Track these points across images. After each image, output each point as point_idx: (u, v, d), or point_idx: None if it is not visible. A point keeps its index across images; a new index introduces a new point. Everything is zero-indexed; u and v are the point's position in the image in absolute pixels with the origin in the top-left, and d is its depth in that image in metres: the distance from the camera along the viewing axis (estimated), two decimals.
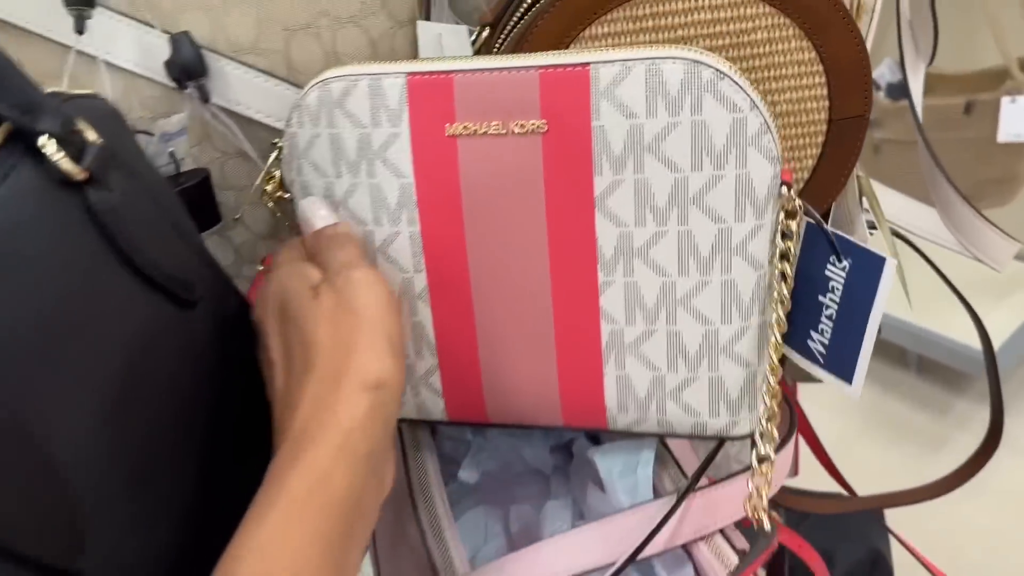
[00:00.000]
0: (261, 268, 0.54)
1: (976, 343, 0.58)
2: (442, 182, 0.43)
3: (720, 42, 0.45)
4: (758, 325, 0.42)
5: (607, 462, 0.51)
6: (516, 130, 0.41)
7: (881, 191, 0.52)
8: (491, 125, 0.42)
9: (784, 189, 0.40)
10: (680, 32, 0.45)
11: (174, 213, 0.41)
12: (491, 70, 0.41)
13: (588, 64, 0.40)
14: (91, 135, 0.35)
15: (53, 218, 0.33)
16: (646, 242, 0.41)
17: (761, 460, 0.43)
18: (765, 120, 0.39)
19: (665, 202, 0.40)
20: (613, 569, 0.45)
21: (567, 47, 0.46)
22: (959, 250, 0.54)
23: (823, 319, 0.43)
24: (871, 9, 0.46)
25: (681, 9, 0.44)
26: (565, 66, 0.40)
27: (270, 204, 0.49)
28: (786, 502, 0.67)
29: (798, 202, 0.41)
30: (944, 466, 0.59)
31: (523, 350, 0.45)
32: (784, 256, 0.41)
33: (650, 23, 0.45)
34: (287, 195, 0.49)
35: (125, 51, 0.46)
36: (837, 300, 0.42)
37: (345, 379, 0.37)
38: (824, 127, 0.47)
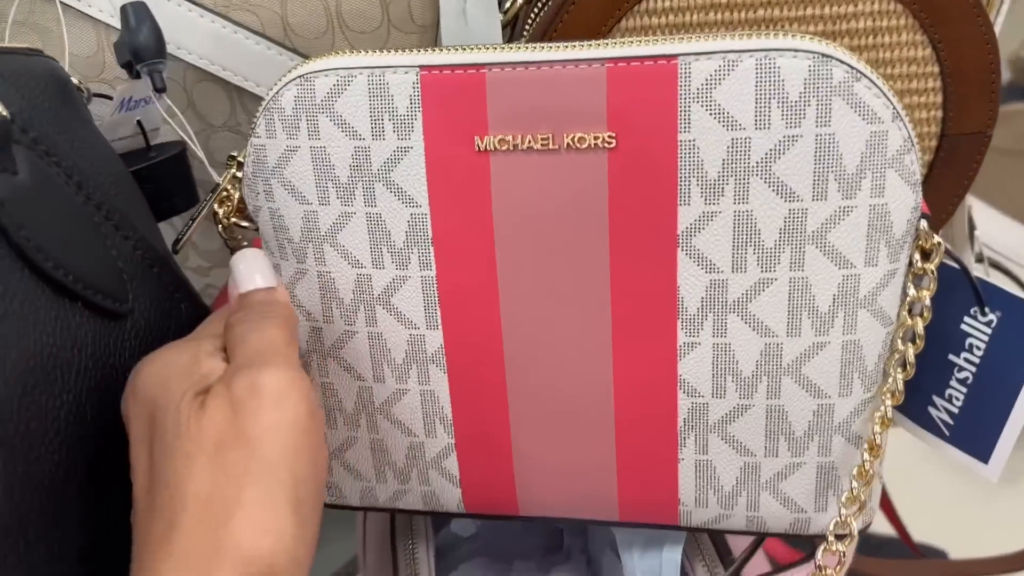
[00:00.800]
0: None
1: None
2: (468, 212, 0.33)
3: (811, 28, 0.36)
4: (882, 399, 0.33)
5: (626, 533, 0.42)
6: (573, 145, 0.31)
7: (979, 209, 0.44)
8: (538, 138, 0.31)
9: (924, 223, 0.31)
10: (761, 12, 0.36)
11: (113, 200, 0.32)
12: (539, 63, 0.31)
13: (675, 56, 0.30)
14: None
15: None
16: (746, 293, 0.31)
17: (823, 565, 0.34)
18: (909, 134, 0.30)
19: (775, 241, 0.30)
20: None
21: (618, 21, 0.36)
22: None
23: (954, 383, 0.34)
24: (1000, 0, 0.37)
25: None
26: (643, 58, 0.30)
27: (220, 232, 0.38)
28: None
29: (937, 239, 0.31)
30: (1021, 500, 0.51)
31: (571, 428, 0.35)
32: (915, 309, 0.32)
33: None
34: (245, 224, 0.37)
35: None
36: (976, 361, 0.33)
37: (217, 563, 0.25)
38: (934, 143, 0.38)
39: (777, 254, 0.31)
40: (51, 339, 0.28)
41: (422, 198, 0.33)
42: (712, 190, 0.30)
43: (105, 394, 0.30)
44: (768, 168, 0.30)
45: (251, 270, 0.34)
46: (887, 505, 0.57)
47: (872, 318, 0.31)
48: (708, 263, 0.31)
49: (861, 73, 0.29)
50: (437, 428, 0.36)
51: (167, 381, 0.29)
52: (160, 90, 0.35)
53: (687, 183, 0.30)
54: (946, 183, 0.38)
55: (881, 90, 0.29)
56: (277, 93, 0.33)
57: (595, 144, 0.31)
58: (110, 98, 0.37)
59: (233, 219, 0.38)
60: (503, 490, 0.37)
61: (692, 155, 0.30)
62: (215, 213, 0.38)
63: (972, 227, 0.42)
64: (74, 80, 0.33)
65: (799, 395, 0.32)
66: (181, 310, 0.35)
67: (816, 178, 0.30)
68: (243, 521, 0.26)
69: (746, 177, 0.30)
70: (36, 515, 0.27)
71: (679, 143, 0.30)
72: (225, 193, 0.37)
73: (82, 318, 0.30)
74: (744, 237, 0.31)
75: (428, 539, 0.43)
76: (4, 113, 0.27)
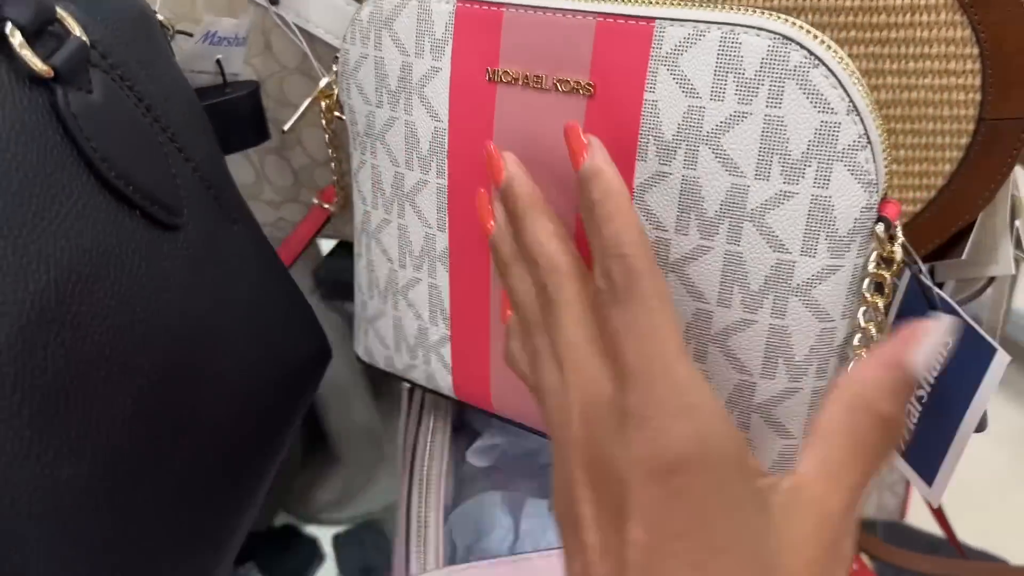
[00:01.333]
0: (316, 201, 0.51)
1: None
2: (475, 133, 0.37)
3: (847, 3, 0.35)
4: (814, 391, 0.33)
5: None
6: (559, 87, 0.34)
7: None
8: (532, 76, 0.34)
9: (880, 227, 0.30)
10: None
11: (179, 126, 0.37)
12: (544, 9, 0.34)
13: (654, 20, 0.31)
14: (75, 29, 0.33)
15: (12, 112, 0.31)
16: (684, 256, 0.33)
17: None
18: (866, 131, 0.29)
19: (715, 211, 0.31)
20: None
21: None
22: None
23: (912, 400, 0.33)
24: None
25: None
26: (627, 18, 0.32)
27: (324, 123, 0.45)
28: (874, 551, 0.56)
29: (899, 248, 0.30)
30: None
31: None
32: (868, 313, 0.31)
33: None
34: (343, 116, 0.45)
35: None
36: (931, 382, 0.32)
37: None
38: (971, 126, 0.36)
39: (716, 224, 0.32)
40: (106, 237, 0.32)
41: (444, 114, 0.37)
42: (666, 151, 0.32)
43: (152, 294, 0.34)
44: (717, 139, 0.31)
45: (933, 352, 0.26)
46: (942, 518, 0.53)
47: (804, 308, 0.31)
48: (656, 220, 0.33)
49: (820, 60, 0.29)
50: (438, 319, 0.41)
51: (709, 450, 0.25)
52: (275, 2, 0.42)
53: (646, 140, 0.32)
54: (984, 168, 0.36)
55: (839, 81, 0.29)
56: (361, 7, 0.39)
57: (576, 89, 0.33)
58: (187, 34, 0.42)
59: (335, 112, 0.45)
60: (481, 386, 0.41)
61: (653, 115, 0.32)
62: (321, 107, 0.45)
63: (1015, 215, 0.39)
64: (160, 17, 0.38)
65: (722, 365, 0.33)
66: (235, 231, 0.40)
67: (760, 157, 0.30)
68: None
69: (696, 144, 0.31)
70: (77, 387, 0.30)
71: (644, 101, 0.32)
72: (328, 91, 0.44)
73: (138, 225, 0.33)
74: (688, 202, 0.32)
75: (446, 417, 0.48)
76: (84, 39, 0.32)
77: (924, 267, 0.31)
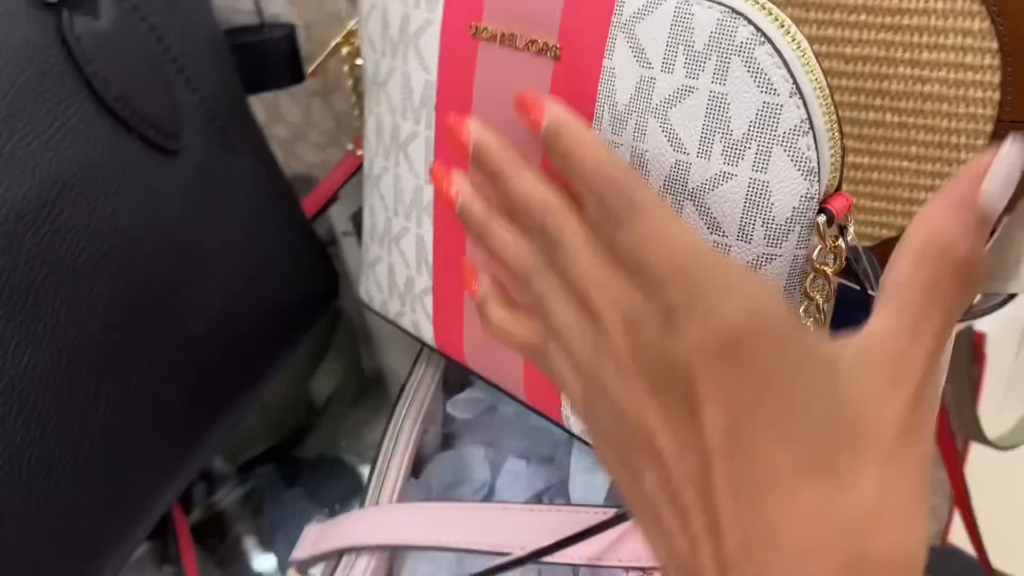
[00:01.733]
0: (350, 147, 0.52)
1: None
2: (459, 87, 0.37)
3: None
4: None
5: (582, 450, 0.44)
6: (530, 47, 0.34)
7: None
8: (507, 35, 0.34)
9: (821, 219, 0.29)
10: None
11: (191, 58, 0.39)
12: None
13: None
14: None
15: (19, 33, 0.34)
16: None
17: None
18: (808, 116, 0.27)
19: (659, 187, 0.31)
20: (502, 561, 0.39)
21: None
22: None
23: None
24: None
25: None
26: None
27: (346, 69, 0.47)
28: None
29: (844, 243, 0.29)
30: None
31: None
32: (808, 312, 0.30)
33: None
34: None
35: None
36: None
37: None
38: (988, 127, 0.33)
39: None
40: (98, 153, 0.34)
41: (433, 67, 0.38)
42: (619, 122, 0.31)
43: (140, 210, 0.36)
44: (665, 113, 0.30)
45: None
46: (973, 529, 0.50)
47: None
48: None
49: (766, 38, 0.27)
50: (423, 269, 0.42)
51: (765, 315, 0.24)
52: None
53: (602, 109, 0.32)
54: None
55: (784, 61, 0.27)
56: None
57: (545, 51, 0.33)
58: None
59: (357, 60, 0.46)
60: (455, 338, 0.42)
61: (610, 83, 0.31)
62: (345, 53, 0.46)
63: None
64: None
65: None
66: (238, 163, 0.41)
67: (703, 135, 0.29)
68: None
69: (646, 117, 0.30)
70: (49, 285, 0.33)
71: (603, 68, 0.31)
72: (350, 38, 0.46)
73: (133, 146, 0.35)
74: None
75: (438, 368, 0.49)
76: None
77: (869, 262, 0.30)
